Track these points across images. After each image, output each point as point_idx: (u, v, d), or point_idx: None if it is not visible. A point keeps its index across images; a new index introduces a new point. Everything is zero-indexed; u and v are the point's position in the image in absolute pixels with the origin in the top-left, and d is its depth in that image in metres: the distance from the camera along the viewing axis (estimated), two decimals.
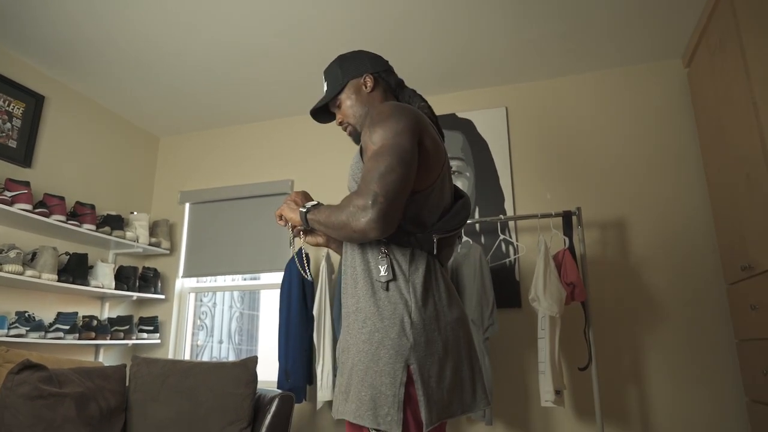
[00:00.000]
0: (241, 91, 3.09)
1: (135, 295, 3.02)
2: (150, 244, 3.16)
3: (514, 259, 2.75)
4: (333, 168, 3.24)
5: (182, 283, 3.40)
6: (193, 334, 3.39)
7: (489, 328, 2.34)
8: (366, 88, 1.34)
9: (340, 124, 1.37)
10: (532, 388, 2.59)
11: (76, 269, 2.66)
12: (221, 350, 4.13)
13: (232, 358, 4.20)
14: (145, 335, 3.07)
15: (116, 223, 2.93)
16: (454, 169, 2.95)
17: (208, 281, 3.51)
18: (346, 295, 1.24)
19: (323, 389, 2.58)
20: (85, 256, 2.72)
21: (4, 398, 1.95)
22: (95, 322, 2.73)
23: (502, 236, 2.77)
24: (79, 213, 2.74)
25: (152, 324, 3.14)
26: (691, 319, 2.49)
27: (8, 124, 2.62)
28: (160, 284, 3.23)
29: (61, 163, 2.91)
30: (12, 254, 2.34)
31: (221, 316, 4.18)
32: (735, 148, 2.13)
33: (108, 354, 3.06)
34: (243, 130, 3.53)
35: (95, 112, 3.18)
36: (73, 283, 2.60)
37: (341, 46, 2.63)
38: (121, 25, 2.46)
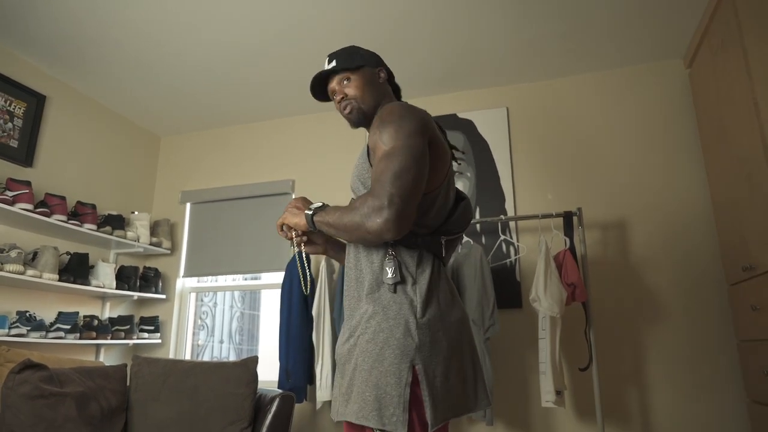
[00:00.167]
0: (241, 91, 3.09)
1: (136, 294, 3.02)
2: (151, 244, 3.16)
3: (515, 259, 2.75)
4: (334, 168, 3.24)
5: (183, 283, 3.40)
6: (193, 333, 3.39)
7: (490, 329, 2.34)
8: (379, 79, 1.35)
9: (341, 100, 1.32)
10: (532, 389, 2.59)
11: (77, 269, 2.66)
12: (222, 350, 4.14)
13: (232, 357, 4.21)
14: (145, 335, 3.08)
15: (117, 222, 2.93)
16: (454, 169, 2.95)
17: (208, 281, 3.51)
18: (348, 296, 1.23)
19: (323, 389, 2.58)
20: (86, 256, 2.72)
21: (5, 398, 1.95)
22: (96, 322, 2.73)
23: (502, 236, 2.77)
24: (80, 213, 2.74)
25: (153, 324, 3.15)
26: (692, 320, 2.48)
27: (9, 124, 2.62)
28: (160, 284, 3.23)
29: (62, 162, 2.91)
30: (13, 254, 2.35)
31: (222, 315, 4.18)
32: (736, 149, 2.12)
33: (109, 354, 3.06)
34: (243, 130, 3.53)
35: (96, 112, 3.19)
36: (74, 282, 2.61)
37: (341, 46, 2.60)
38: (122, 25, 2.46)
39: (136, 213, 3.16)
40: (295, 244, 1.32)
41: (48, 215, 2.52)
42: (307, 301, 2.76)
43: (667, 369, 2.46)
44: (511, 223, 2.80)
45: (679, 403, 2.41)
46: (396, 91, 1.42)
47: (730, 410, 2.34)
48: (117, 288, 2.90)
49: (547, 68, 2.87)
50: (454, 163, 1.38)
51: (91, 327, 2.69)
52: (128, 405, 2.30)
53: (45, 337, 2.47)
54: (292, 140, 3.39)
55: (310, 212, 1.21)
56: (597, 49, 2.69)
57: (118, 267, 3.04)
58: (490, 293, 2.38)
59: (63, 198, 2.61)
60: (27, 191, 2.45)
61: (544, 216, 2.50)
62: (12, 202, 2.38)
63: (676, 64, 2.79)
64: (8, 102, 2.62)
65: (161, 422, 2.21)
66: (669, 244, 2.59)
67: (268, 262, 3.19)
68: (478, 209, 2.89)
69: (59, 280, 2.53)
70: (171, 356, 3.23)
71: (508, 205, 2.84)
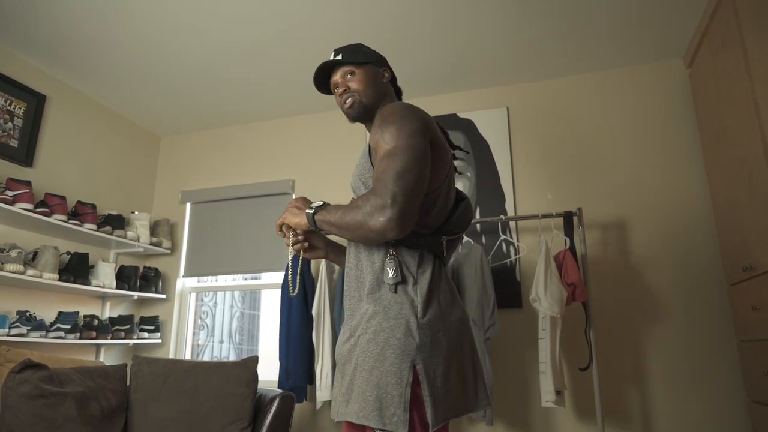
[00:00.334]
0: (241, 91, 3.09)
1: (136, 294, 3.02)
2: (151, 244, 3.16)
3: (515, 259, 2.75)
4: (334, 168, 3.24)
5: (183, 283, 3.40)
6: (194, 333, 3.39)
7: (490, 329, 2.34)
8: (383, 78, 1.36)
9: (343, 93, 1.32)
10: (532, 389, 2.59)
11: (77, 269, 2.66)
12: (222, 350, 4.14)
13: (232, 357, 4.21)
14: (146, 335, 3.08)
15: (117, 222, 2.93)
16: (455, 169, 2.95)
17: (209, 281, 3.51)
18: (349, 296, 1.23)
19: (323, 389, 2.59)
20: (86, 256, 2.72)
21: (5, 397, 1.95)
22: (96, 322, 2.73)
23: (503, 236, 2.77)
24: (80, 212, 2.74)
25: (153, 323, 3.15)
26: (693, 320, 2.48)
27: (9, 124, 2.62)
28: (161, 284, 3.23)
29: (62, 162, 2.92)
30: (13, 254, 2.35)
31: (222, 315, 4.18)
32: (736, 149, 2.13)
33: (109, 353, 3.06)
34: (243, 130, 3.53)
35: (96, 112, 3.19)
36: (74, 282, 2.61)
37: (341, 46, 2.62)
38: (123, 25, 2.46)
39: (136, 213, 3.16)
40: (291, 247, 1.30)
41: (48, 215, 2.52)
42: (307, 301, 2.76)
43: (667, 369, 2.46)
44: (511, 223, 2.80)
45: (679, 403, 2.41)
46: (398, 93, 1.43)
47: (730, 410, 2.35)
48: (117, 288, 2.90)
49: (547, 68, 2.87)
50: (455, 163, 1.38)
51: (91, 327, 2.69)
52: (128, 405, 2.30)
53: (45, 337, 2.47)
54: (292, 140, 3.39)
55: (312, 211, 1.20)
56: (597, 49, 2.69)
57: (118, 267, 3.04)
58: (490, 293, 2.38)
59: (63, 198, 2.61)
60: (27, 191, 2.45)
61: (544, 216, 2.50)
62: (12, 202, 2.38)
63: (676, 64, 2.79)
64: (8, 102, 2.62)
65: (161, 422, 2.21)
66: (669, 244, 2.59)
67: (268, 262, 3.19)
68: (478, 209, 2.89)
69: (59, 280, 2.53)
70: (171, 356, 3.23)
71: (508, 205, 2.84)
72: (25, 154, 2.68)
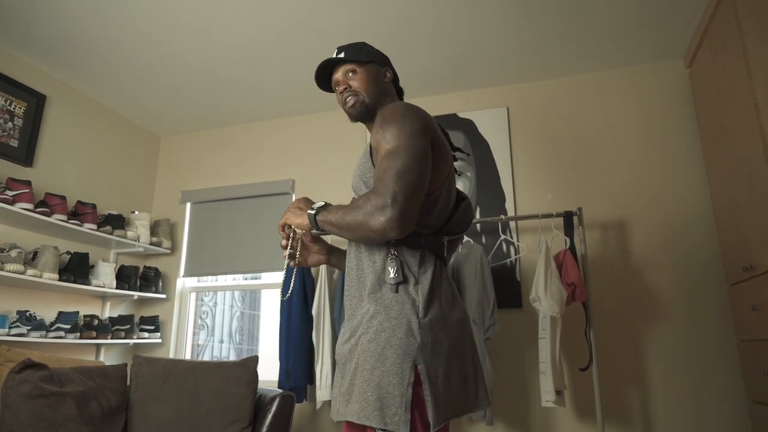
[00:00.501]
0: (241, 91, 3.09)
1: (136, 294, 3.02)
2: (151, 244, 3.16)
3: (515, 259, 2.75)
4: (334, 168, 3.24)
5: (183, 283, 3.40)
6: (194, 333, 3.39)
7: (490, 328, 2.34)
8: (385, 78, 1.36)
9: (344, 91, 1.32)
10: (532, 388, 2.59)
11: (77, 268, 2.66)
12: (222, 350, 4.14)
13: (232, 357, 4.21)
14: (146, 335, 3.08)
15: (117, 222, 2.93)
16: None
17: (209, 281, 3.51)
18: (350, 296, 1.23)
19: (323, 389, 2.58)
20: (86, 256, 2.72)
21: (5, 397, 1.95)
22: (96, 322, 2.73)
23: (503, 236, 2.77)
24: (80, 212, 2.74)
25: (153, 323, 3.15)
26: (693, 320, 2.48)
27: (9, 124, 2.62)
28: (161, 284, 3.23)
29: (62, 162, 2.91)
30: (13, 253, 2.35)
31: (222, 315, 4.18)
32: (737, 149, 2.13)
33: (109, 353, 3.06)
34: (243, 130, 3.53)
35: (96, 112, 3.19)
36: (74, 282, 2.61)
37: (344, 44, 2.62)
38: (123, 25, 2.46)
39: (136, 213, 3.17)
40: (287, 255, 1.29)
41: (48, 215, 2.52)
42: (307, 301, 2.76)
43: (667, 369, 2.46)
44: (512, 223, 2.80)
45: (679, 403, 2.41)
46: (400, 94, 1.43)
47: (730, 410, 2.35)
48: (117, 288, 2.90)
49: (547, 68, 2.87)
50: (455, 165, 1.38)
51: (91, 327, 2.69)
52: (128, 405, 2.30)
53: (45, 337, 2.47)
54: (292, 140, 3.39)
55: (313, 212, 1.20)
56: (597, 49, 2.70)
57: (118, 267, 3.04)
58: (490, 293, 2.38)
59: (63, 198, 2.61)
60: (27, 191, 2.45)
61: (545, 216, 2.50)
62: (12, 202, 2.38)
63: (676, 64, 2.79)
64: (8, 102, 2.62)
65: (161, 422, 2.21)
66: (669, 244, 2.59)
67: (268, 262, 3.19)
68: (478, 209, 2.89)
69: (59, 280, 2.53)
70: (171, 356, 3.23)
71: (509, 205, 2.84)
72: (25, 154, 2.68)
